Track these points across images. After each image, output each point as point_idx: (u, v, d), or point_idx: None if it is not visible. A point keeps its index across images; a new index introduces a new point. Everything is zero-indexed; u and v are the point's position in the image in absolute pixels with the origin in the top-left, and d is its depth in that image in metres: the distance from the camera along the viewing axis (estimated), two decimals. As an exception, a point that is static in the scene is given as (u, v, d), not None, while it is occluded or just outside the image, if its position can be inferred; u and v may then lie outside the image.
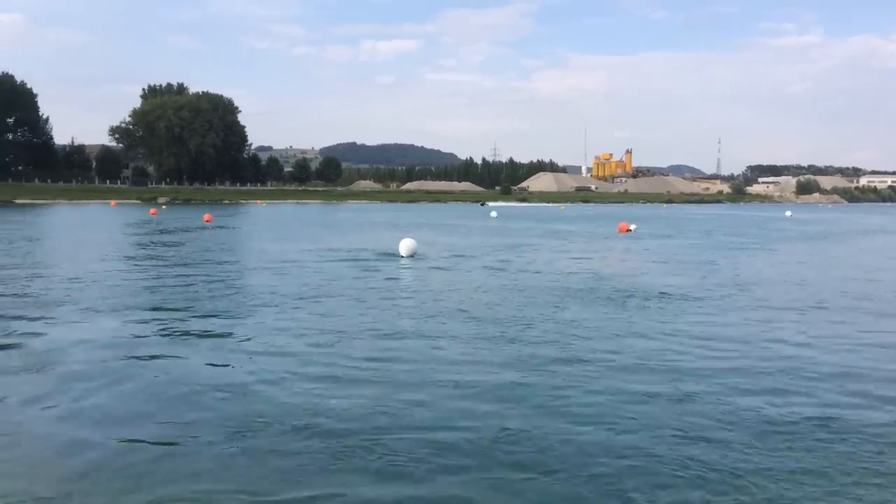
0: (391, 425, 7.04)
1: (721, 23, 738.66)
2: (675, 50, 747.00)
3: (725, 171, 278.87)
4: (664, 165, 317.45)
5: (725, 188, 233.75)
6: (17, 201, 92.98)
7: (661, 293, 16.13)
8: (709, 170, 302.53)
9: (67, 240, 33.45)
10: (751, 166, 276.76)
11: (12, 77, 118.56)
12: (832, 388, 8.51)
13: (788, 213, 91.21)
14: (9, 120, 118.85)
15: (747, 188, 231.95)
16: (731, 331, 11.91)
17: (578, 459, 6.20)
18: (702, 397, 8.06)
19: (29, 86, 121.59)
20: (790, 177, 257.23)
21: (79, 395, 8.04)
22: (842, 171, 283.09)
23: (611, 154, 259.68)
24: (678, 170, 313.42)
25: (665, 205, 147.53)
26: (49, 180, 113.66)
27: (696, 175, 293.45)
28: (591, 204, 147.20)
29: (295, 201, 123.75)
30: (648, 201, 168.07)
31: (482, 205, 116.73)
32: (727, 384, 8.58)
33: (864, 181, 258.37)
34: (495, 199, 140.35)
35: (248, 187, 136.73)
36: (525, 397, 8.00)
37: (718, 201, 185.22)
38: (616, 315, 13.30)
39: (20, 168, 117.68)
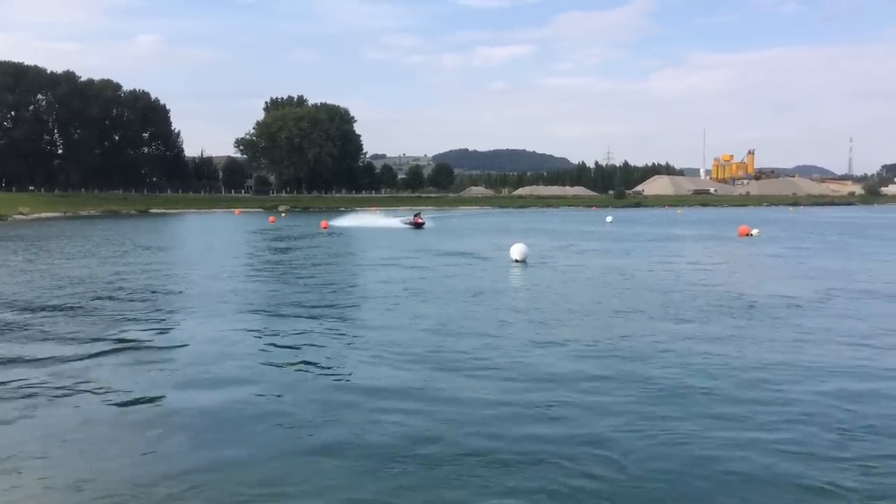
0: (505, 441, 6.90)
1: (860, 15, 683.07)
2: (805, 45, 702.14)
3: (858, 172, 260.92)
4: (790, 166, 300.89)
5: (857, 189, 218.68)
6: (152, 211, 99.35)
7: (791, 303, 15.20)
8: (839, 170, 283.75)
9: (196, 247, 35.36)
10: (886, 166, 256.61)
11: (148, 94, 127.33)
12: None
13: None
14: (144, 134, 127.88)
15: (882, 189, 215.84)
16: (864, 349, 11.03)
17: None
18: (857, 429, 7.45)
19: (163, 102, 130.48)
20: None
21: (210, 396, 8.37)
22: None
23: (731, 155, 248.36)
24: (805, 170, 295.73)
25: (791, 207, 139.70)
26: (180, 190, 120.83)
27: (825, 176, 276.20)
28: (710, 207, 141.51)
29: (408, 208, 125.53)
30: (772, 204, 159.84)
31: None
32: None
33: None
34: (607, 205, 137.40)
35: (364, 195, 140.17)
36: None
37: (850, 203, 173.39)
38: (730, 327, 12.62)
39: (154, 179, 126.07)
